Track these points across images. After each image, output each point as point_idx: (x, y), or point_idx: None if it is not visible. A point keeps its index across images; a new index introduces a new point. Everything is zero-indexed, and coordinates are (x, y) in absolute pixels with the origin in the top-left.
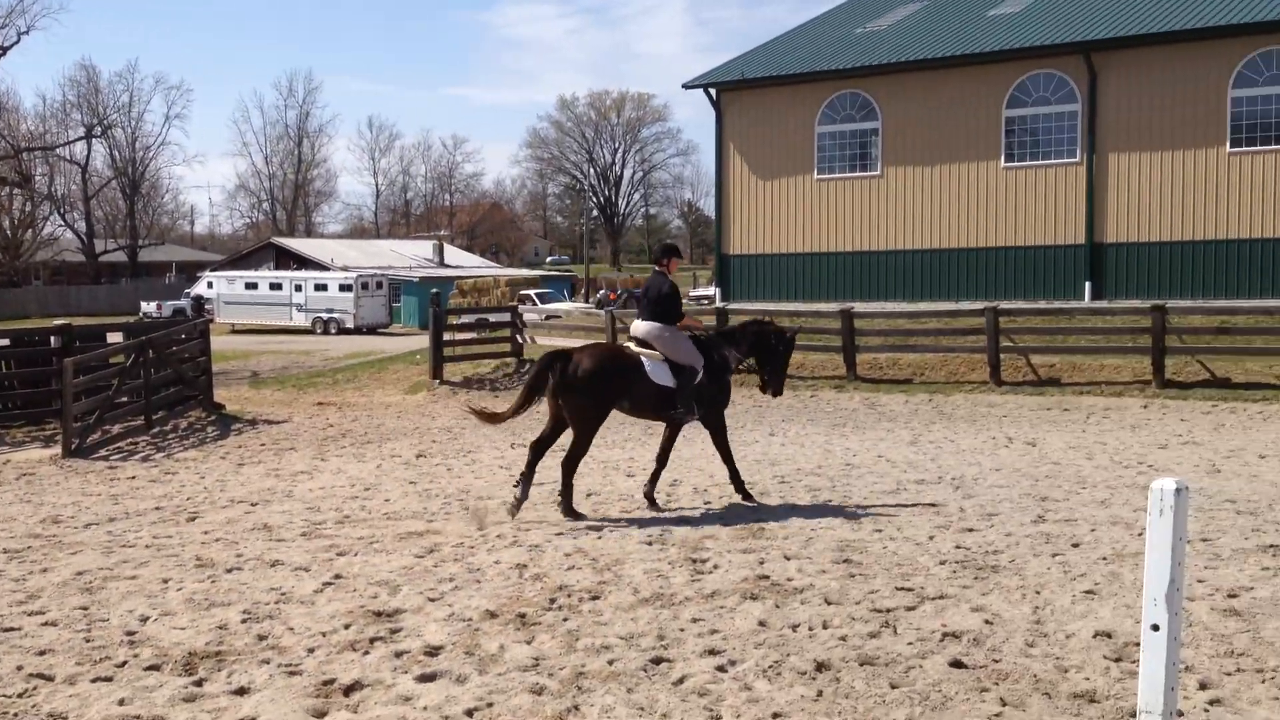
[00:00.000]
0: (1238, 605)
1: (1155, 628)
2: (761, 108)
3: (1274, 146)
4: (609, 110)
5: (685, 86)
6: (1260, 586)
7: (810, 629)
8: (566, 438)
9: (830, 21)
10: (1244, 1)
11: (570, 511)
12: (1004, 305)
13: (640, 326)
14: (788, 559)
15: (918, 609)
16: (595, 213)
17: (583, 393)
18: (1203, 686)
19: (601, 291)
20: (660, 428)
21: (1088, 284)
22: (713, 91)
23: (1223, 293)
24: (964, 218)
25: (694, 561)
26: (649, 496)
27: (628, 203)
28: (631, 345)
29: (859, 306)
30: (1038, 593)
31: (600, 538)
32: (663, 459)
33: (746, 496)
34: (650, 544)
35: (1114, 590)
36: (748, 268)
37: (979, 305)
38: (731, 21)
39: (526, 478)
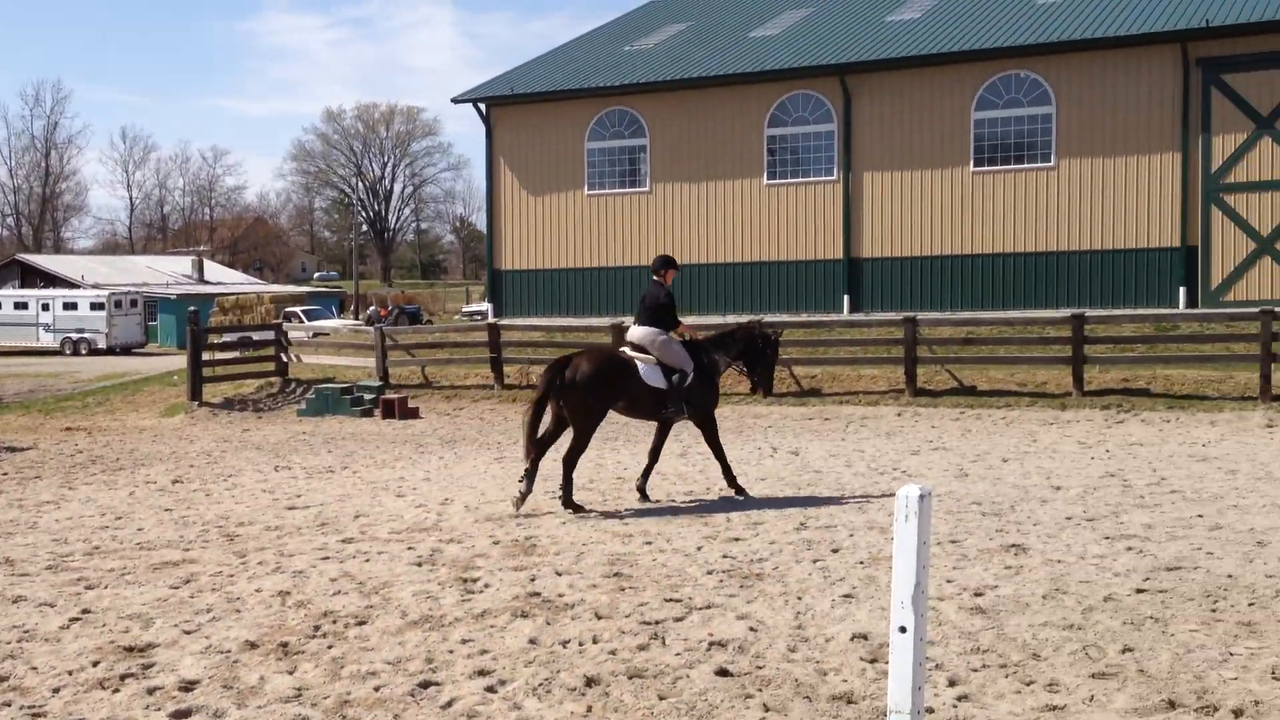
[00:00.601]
0: (983, 603)
1: (902, 629)
2: (532, 123)
3: (1012, 166)
4: (378, 123)
5: (455, 101)
6: (1004, 585)
7: (580, 644)
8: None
9: (599, 39)
10: (984, 29)
11: (570, 504)
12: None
13: (635, 332)
14: (559, 575)
15: (685, 619)
16: (365, 227)
17: (582, 393)
18: (951, 683)
19: (372, 308)
20: (646, 430)
21: (846, 297)
22: (482, 106)
23: (968, 305)
24: (730, 233)
25: (464, 581)
26: (640, 490)
27: (398, 217)
28: (627, 350)
29: (629, 321)
30: (799, 598)
31: (368, 560)
32: (654, 456)
33: (739, 491)
34: (420, 565)
35: (871, 593)
36: (520, 283)
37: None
38: (501, 36)
39: (530, 474)
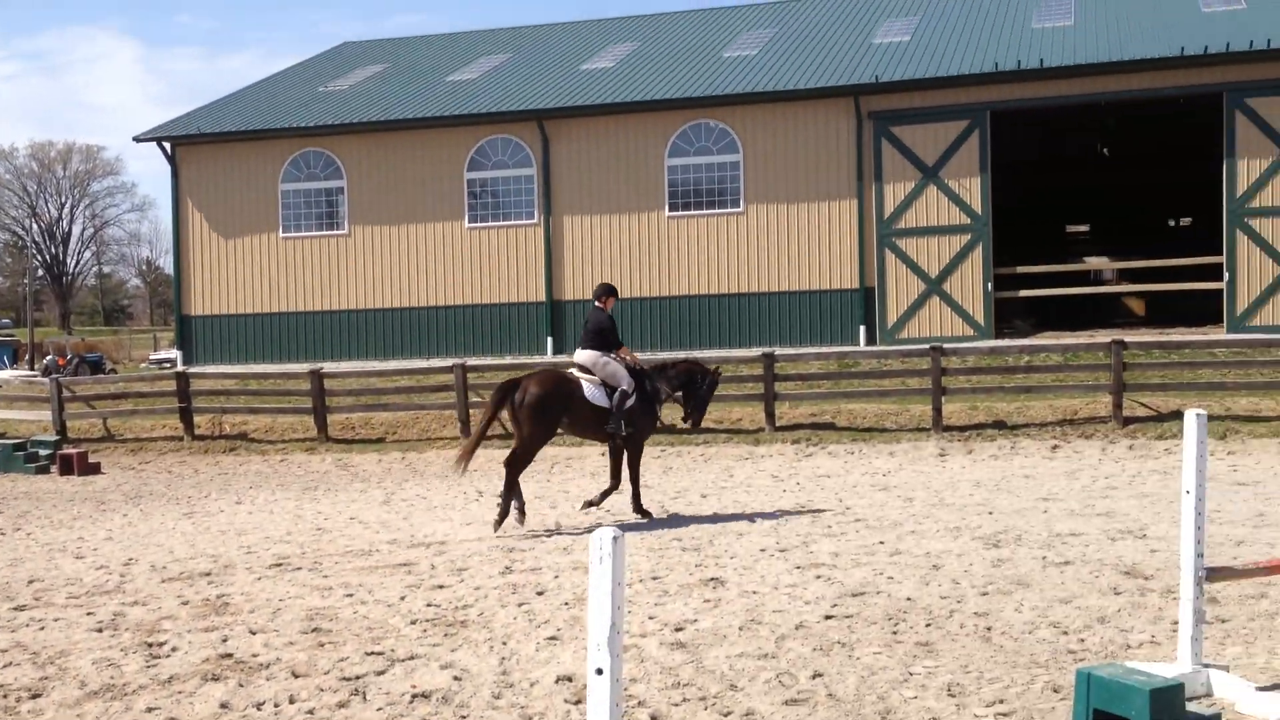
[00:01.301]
0: (683, 638)
1: (599, 671)
2: (222, 163)
3: (705, 211)
4: (54, 162)
5: (137, 140)
6: (703, 618)
7: (276, 705)
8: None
9: (292, 78)
10: (674, 79)
11: (505, 510)
12: (472, 362)
13: (581, 354)
14: (253, 634)
15: (387, 672)
16: (40, 272)
17: (531, 412)
18: (653, 719)
19: (49, 357)
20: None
21: (550, 339)
22: (168, 145)
23: (666, 345)
24: (432, 277)
25: (150, 646)
26: (592, 503)
27: (78, 261)
28: (574, 370)
29: (329, 366)
30: (505, 643)
31: (43, 628)
32: (615, 478)
33: (644, 514)
34: (100, 630)
35: (575, 634)
36: (211, 329)
37: (448, 362)
38: (190, 73)
39: (510, 488)
